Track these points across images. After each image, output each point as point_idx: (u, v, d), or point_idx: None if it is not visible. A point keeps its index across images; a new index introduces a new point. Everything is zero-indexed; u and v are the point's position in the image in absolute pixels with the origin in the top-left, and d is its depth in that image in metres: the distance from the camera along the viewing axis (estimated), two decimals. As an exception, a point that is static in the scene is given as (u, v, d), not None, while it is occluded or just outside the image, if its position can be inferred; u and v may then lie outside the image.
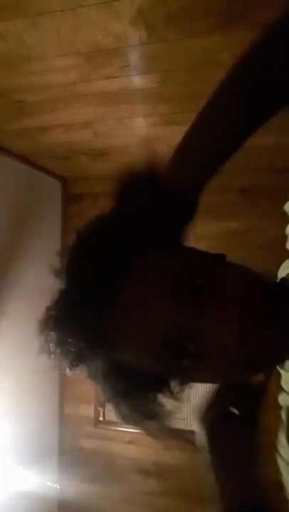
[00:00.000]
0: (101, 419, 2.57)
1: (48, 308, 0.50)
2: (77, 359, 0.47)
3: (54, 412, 2.58)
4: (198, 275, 0.44)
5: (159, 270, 0.45)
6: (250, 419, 0.52)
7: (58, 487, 2.45)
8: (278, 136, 1.85)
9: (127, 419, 0.50)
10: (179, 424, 2.34)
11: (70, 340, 0.46)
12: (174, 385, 0.50)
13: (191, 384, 0.51)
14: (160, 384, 0.50)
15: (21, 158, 2.24)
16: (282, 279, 0.55)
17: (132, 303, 0.44)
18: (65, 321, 0.47)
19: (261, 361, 0.46)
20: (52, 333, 0.48)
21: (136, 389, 0.49)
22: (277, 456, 0.58)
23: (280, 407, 0.60)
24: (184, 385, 0.50)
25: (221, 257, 0.52)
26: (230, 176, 2.38)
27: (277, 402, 0.60)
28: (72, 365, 0.47)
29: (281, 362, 0.50)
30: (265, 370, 0.50)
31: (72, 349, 0.46)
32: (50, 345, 0.48)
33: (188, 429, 2.35)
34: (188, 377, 0.49)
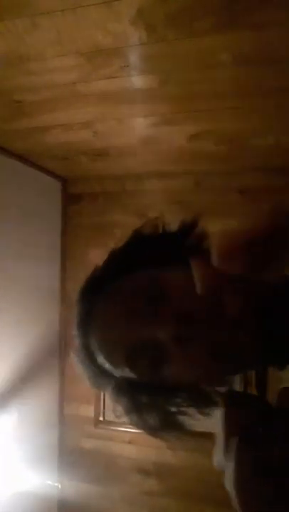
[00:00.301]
0: (101, 419, 2.57)
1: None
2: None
3: (54, 412, 2.58)
4: (151, 289, 0.51)
5: (122, 292, 0.54)
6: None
7: (59, 486, 2.45)
8: (278, 136, 1.85)
9: (147, 429, 0.59)
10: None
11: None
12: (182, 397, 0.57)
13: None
14: (165, 396, 0.56)
15: (21, 158, 2.24)
16: None
17: (100, 324, 0.54)
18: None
19: (232, 358, 0.49)
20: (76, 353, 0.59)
21: (144, 402, 0.56)
22: None
23: None
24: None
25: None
26: (231, 176, 2.40)
27: None
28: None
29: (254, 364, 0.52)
30: (241, 369, 0.54)
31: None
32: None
33: (188, 429, 2.34)
34: (165, 380, 0.53)
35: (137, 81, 1.49)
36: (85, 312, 0.56)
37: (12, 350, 2.12)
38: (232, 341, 0.48)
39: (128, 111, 1.74)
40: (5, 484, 2.05)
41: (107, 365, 0.54)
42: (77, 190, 2.66)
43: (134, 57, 1.36)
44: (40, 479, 2.28)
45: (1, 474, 2.04)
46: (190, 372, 0.52)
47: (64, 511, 2.53)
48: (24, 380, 2.19)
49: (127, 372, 0.53)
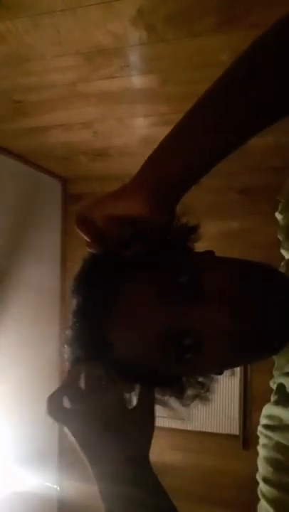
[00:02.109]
0: (101, 419, 2.56)
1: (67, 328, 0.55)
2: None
3: (54, 412, 2.57)
4: (181, 275, 0.47)
5: (147, 280, 0.48)
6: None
7: (58, 488, 2.45)
8: (278, 136, 1.85)
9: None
10: (177, 424, 2.35)
11: (80, 352, 0.52)
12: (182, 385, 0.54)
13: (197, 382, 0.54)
14: (168, 384, 0.53)
15: (21, 158, 2.24)
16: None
17: (124, 314, 0.48)
18: (74, 336, 0.53)
19: (262, 341, 0.48)
20: (67, 348, 0.55)
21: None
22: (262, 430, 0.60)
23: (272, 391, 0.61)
24: (192, 383, 0.54)
25: (207, 254, 0.54)
26: (230, 176, 2.40)
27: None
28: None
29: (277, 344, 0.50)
30: (264, 354, 0.51)
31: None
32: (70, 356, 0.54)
33: (189, 429, 2.35)
34: (193, 370, 0.51)
35: (137, 81, 1.50)
36: (97, 300, 0.50)
37: (12, 350, 2.12)
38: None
39: (128, 111, 1.74)
40: (5, 484, 2.05)
41: (127, 355, 0.49)
42: (77, 190, 2.66)
43: (134, 57, 1.36)
44: (40, 479, 2.28)
45: (0, 474, 2.04)
46: (218, 363, 0.50)
47: (64, 511, 2.53)
48: (24, 380, 2.19)
49: (154, 363, 0.49)
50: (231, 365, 0.51)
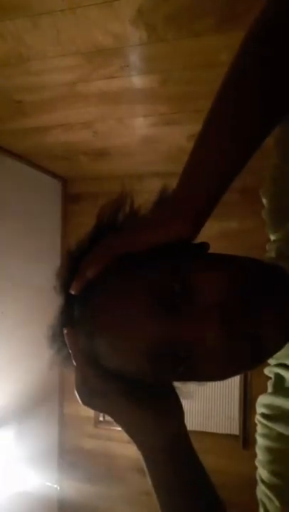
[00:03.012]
0: (101, 419, 2.57)
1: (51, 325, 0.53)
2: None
3: (54, 412, 2.58)
4: (175, 282, 0.44)
5: (140, 287, 0.46)
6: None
7: (58, 488, 2.45)
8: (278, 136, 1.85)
9: None
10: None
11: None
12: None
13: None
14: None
15: (21, 158, 2.24)
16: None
17: (112, 321, 0.46)
18: (58, 332, 0.51)
19: (250, 357, 0.46)
20: (52, 346, 0.53)
21: None
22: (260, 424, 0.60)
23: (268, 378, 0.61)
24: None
25: (203, 247, 0.52)
26: (230, 176, 2.38)
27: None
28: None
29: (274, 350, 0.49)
30: (258, 363, 0.49)
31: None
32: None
33: (189, 429, 2.35)
34: (186, 380, 0.49)
35: (137, 81, 1.50)
36: (84, 309, 0.48)
37: (12, 350, 2.12)
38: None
39: (128, 111, 1.74)
40: (5, 484, 2.05)
41: (116, 366, 0.48)
42: (77, 190, 2.66)
43: (134, 57, 1.36)
44: (40, 479, 2.28)
45: (1, 474, 2.04)
46: (209, 374, 0.48)
47: (64, 511, 2.53)
48: (24, 380, 2.19)
49: (144, 374, 0.47)
50: (225, 377, 0.48)
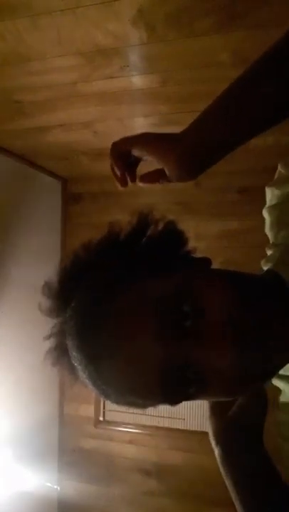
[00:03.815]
0: (101, 419, 2.57)
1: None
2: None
3: (54, 412, 2.58)
4: (184, 303, 0.44)
5: (147, 303, 0.45)
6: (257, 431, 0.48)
7: (58, 488, 2.45)
8: (278, 136, 1.85)
9: None
10: (177, 424, 2.35)
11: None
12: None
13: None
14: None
15: (21, 158, 2.24)
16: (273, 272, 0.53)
17: (120, 346, 0.45)
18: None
19: (260, 374, 0.46)
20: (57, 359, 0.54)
21: None
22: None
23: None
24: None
25: (206, 262, 0.52)
26: (230, 176, 2.39)
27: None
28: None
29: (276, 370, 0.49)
30: (264, 382, 0.49)
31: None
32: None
33: (189, 429, 2.35)
34: (194, 399, 0.48)
35: (137, 81, 1.50)
36: (90, 331, 0.47)
37: (12, 350, 2.12)
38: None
39: (128, 111, 1.74)
40: (5, 484, 2.05)
41: (124, 389, 0.47)
42: (78, 190, 2.66)
43: (134, 57, 1.36)
44: (40, 479, 2.28)
45: (0, 474, 2.04)
46: (218, 394, 0.47)
47: (64, 511, 2.53)
48: (25, 380, 2.19)
49: (154, 395, 0.46)
50: (236, 394, 0.47)
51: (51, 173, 2.54)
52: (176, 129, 0.54)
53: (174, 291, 0.45)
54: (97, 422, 2.56)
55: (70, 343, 0.49)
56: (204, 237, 2.22)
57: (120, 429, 2.47)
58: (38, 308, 0.53)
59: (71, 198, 2.68)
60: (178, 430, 2.37)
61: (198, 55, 1.33)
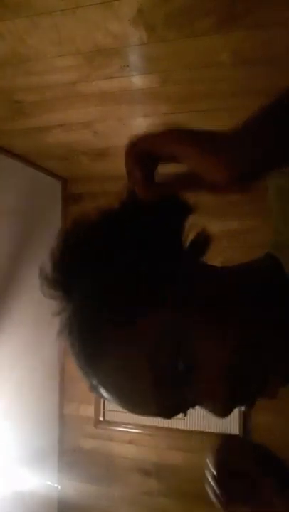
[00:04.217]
0: (101, 419, 2.57)
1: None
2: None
3: (54, 412, 2.58)
4: (177, 361, 0.44)
5: (138, 363, 0.45)
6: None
7: (59, 487, 2.45)
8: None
9: None
10: (177, 424, 2.35)
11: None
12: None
13: None
14: None
15: (21, 158, 2.24)
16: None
17: (118, 392, 0.47)
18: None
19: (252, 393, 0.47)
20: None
21: None
22: None
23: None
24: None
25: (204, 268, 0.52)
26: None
27: None
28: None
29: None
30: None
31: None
32: None
33: (189, 429, 2.35)
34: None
35: (137, 81, 1.50)
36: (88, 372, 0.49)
37: (13, 351, 2.12)
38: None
39: (128, 111, 1.74)
40: (5, 484, 2.05)
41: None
42: (78, 190, 2.66)
43: (134, 57, 1.36)
44: (40, 479, 2.28)
45: (1, 474, 2.04)
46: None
47: (64, 511, 2.53)
48: (25, 381, 2.19)
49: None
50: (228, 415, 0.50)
51: (51, 173, 2.54)
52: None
53: (167, 347, 0.44)
54: (97, 422, 2.56)
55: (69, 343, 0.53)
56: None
57: (120, 429, 2.47)
58: (40, 290, 0.55)
59: (71, 198, 2.67)
60: (178, 430, 2.37)
61: (198, 55, 1.33)
